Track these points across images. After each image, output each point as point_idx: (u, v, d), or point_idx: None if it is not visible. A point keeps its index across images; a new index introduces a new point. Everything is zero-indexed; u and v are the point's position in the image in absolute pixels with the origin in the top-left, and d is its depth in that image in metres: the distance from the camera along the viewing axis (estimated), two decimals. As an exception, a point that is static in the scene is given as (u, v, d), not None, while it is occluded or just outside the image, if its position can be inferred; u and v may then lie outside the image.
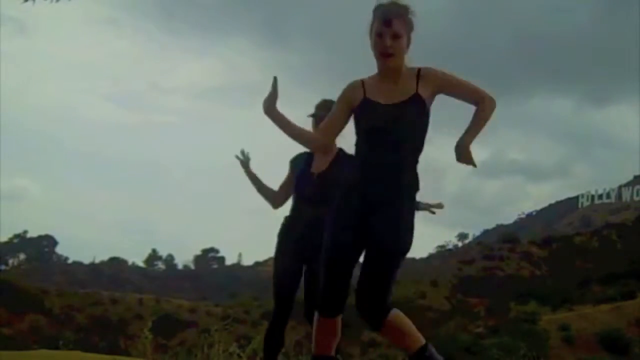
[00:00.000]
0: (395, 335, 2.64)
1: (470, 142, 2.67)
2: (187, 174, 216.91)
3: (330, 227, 2.69)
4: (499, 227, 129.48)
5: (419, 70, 2.67)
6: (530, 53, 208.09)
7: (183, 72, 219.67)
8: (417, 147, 2.68)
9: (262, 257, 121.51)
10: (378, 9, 2.64)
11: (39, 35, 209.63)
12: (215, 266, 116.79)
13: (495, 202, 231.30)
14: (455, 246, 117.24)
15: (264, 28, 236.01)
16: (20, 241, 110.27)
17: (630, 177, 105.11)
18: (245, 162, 3.67)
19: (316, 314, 2.74)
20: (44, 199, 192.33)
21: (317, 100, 3.63)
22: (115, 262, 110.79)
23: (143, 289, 78.44)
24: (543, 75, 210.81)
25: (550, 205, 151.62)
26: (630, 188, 78.39)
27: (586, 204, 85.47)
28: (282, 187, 3.68)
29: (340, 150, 3.54)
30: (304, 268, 3.50)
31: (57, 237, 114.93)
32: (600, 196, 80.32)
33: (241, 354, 5.25)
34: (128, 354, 8.33)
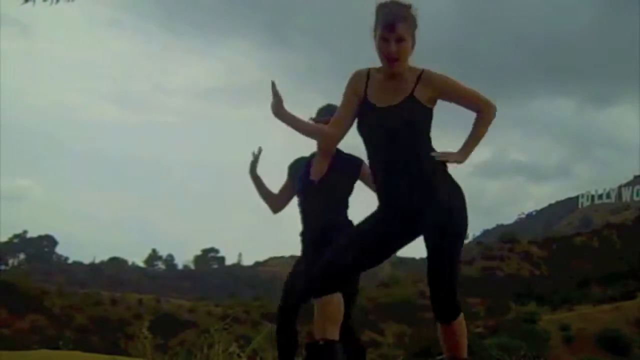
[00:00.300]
0: (456, 337, 2.71)
1: (466, 158, 2.73)
2: (188, 174, 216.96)
3: (359, 224, 2.78)
4: (499, 227, 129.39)
5: (421, 73, 2.67)
6: (532, 54, 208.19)
7: (184, 72, 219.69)
8: (417, 145, 2.66)
9: (262, 257, 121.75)
10: (381, 10, 2.63)
11: (41, 36, 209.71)
12: (215, 266, 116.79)
13: (496, 202, 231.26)
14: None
15: (265, 29, 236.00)
16: (20, 241, 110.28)
17: (630, 177, 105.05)
18: (254, 162, 3.64)
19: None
20: (44, 199, 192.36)
21: (318, 101, 3.64)
22: (115, 262, 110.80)
23: (143, 289, 78.38)
24: (545, 76, 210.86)
25: (550, 205, 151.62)
26: (630, 188, 78.26)
27: (586, 204, 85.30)
28: (281, 192, 3.68)
29: (337, 152, 3.53)
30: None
31: (57, 237, 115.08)
32: (600, 196, 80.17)
33: (241, 354, 5.24)
34: (128, 354, 8.34)
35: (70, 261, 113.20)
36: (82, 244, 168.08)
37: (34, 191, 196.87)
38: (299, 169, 3.60)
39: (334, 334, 2.73)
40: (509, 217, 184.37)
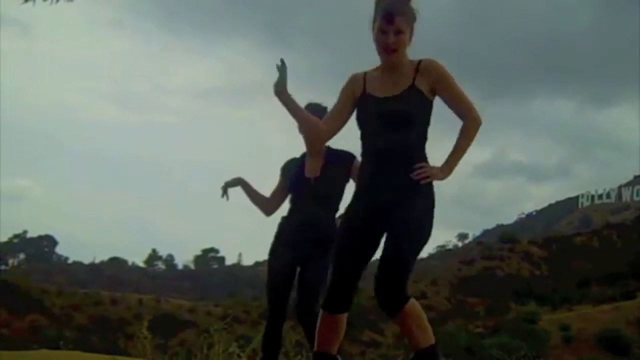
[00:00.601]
0: (410, 325, 2.56)
1: (448, 175, 2.67)
2: (188, 174, 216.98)
3: (342, 224, 2.75)
4: (499, 227, 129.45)
5: (420, 62, 2.67)
6: (532, 54, 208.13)
7: (184, 72, 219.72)
8: (417, 143, 2.67)
9: (262, 257, 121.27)
10: (379, 4, 2.64)
11: (42, 37, 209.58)
12: (215, 266, 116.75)
13: (496, 203, 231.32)
14: (455, 246, 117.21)
15: (266, 29, 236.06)
16: (20, 241, 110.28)
17: (630, 177, 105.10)
18: (235, 183, 3.67)
19: (321, 310, 2.73)
20: (44, 199, 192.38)
21: (320, 100, 3.63)
22: (115, 262, 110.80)
23: (143, 289, 78.39)
24: (545, 77, 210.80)
25: (550, 205, 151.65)
26: (630, 188, 78.27)
27: (586, 204, 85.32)
28: (274, 194, 3.68)
29: (328, 148, 3.54)
30: (298, 270, 3.50)
31: (57, 237, 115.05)
32: (600, 196, 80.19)
33: (241, 354, 5.24)
34: (128, 354, 8.34)
35: (70, 261, 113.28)
36: (82, 244, 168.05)
37: (34, 191, 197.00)
38: (292, 168, 3.61)
39: (336, 349, 2.79)
40: (509, 217, 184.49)
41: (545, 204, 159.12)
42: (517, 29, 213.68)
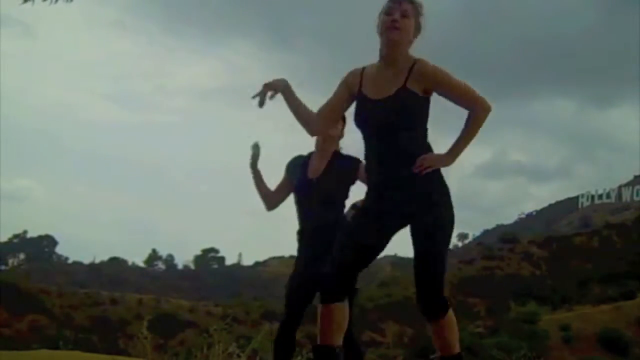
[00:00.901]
0: (447, 332, 2.68)
1: (453, 161, 2.69)
2: (188, 174, 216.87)
3: (352, 218, 2.81)
4: (499, 227, 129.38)
5: (414, 64, 2.64)
6: (534, 55, 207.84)
7: (185, 73, 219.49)
8: (415, 141, 2.67)
9: (262, 257, 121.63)
10: None
11: (43, 37, 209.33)
12: (215, 266, 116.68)
13: (496, 203, 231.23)
14: (455, 246, 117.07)
15: (268, 30, 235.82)
16: (20, 241, 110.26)
17: (631, 177, 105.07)
18: (255, 156, 3.65)
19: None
20: (44, 199, 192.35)
21: (320, 102, 3.63)
22: (115, 262, 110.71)
23: (143, 289, 78.37)
24: (546, 78, 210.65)
25: (550, 205, 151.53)
26: (630, 188, 78.35)
27: (586, 204, 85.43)
28: (277, 190, 3.68)
29: (335, 152, 3.56)
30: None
31: (57, 237, 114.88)
32: (600, 196, 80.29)
33: (241, 354, 5.25)
34: (128, 354, 8.34)
35: (70, 261, 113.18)
36: (82, 244, 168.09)
37: (35, 191, 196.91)
38: (297, 166, 3.61)
39: (340, 340, 2.76)
40: (509, 217, 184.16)
41: (545, 204, 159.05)
42: (518, 30, 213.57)
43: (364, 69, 2.76)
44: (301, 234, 3.58)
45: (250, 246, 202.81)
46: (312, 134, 2.91)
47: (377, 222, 2.68)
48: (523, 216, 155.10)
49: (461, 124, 2.70)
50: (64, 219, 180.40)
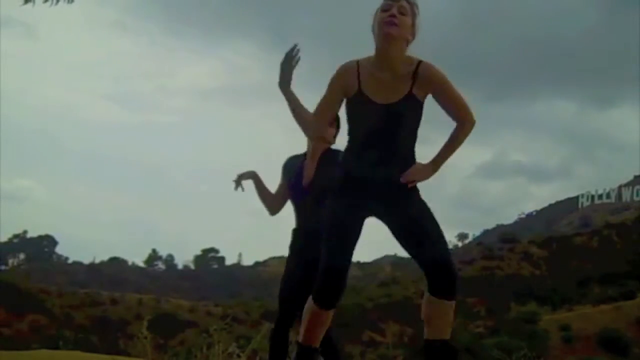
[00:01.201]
0: (449, 314, 2.63)
1: (435, 172, 2.71)
2: (188, 174, 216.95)
3: (331, 217, 2.71)
4: (499, 227, 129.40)
5: (418, 65, 2.62)
6: (534, 56, 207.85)
7: (186, 73, 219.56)
8: (411, 144, 2.71)
9: (262, 257, 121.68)
10: None
11: (44, 38, 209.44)
12: (215, 266, 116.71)
13: (497, 203, 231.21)
14: (455, 246, 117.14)
15: (269, 31, 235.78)
16: (20, 241, 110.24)
17: (631, 177, 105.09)
18: (248, 176, 3.67)
19: (312, 305, 2.71)
20: (44, 199, 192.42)
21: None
22: (115, 262, 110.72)
23: (143, 289, 78.37)
24: (546, 78, 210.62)
25: (550, 205, 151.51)
26: (630, 188, 78.36)
27: (586, 204, 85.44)
28: (277, 194, 3.69)
29: (326, 151, 3.56)
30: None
31: (57, 237, 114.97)
32: (600, 196, 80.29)
33: (241, 354, 5.25)
34: (128, 354, 8.34)
35: (70, 261, 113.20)
36: (82, 244, 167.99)
37: (35, 191, 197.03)
38: (292, 169, 3.63)
39: (318, 341, 2.80)
40: (509, 217, 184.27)
41: (545, 204, 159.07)
42: (519, 30, 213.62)
43: (358, 64, 2.67)
44: (297, 233, 3.60)
45: (250, 246, 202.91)
46: (311, 137, 2.89)
47: (357, 214, 2.69)
48: (523, 216, 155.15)
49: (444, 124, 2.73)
50: (64, 219, 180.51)
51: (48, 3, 5.81)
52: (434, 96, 2.67)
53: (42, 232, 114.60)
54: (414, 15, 2.65)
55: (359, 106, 2.68)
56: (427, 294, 2.65)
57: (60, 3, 5.92)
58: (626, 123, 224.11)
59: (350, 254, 2.68)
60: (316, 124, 2.78)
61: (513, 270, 65.59)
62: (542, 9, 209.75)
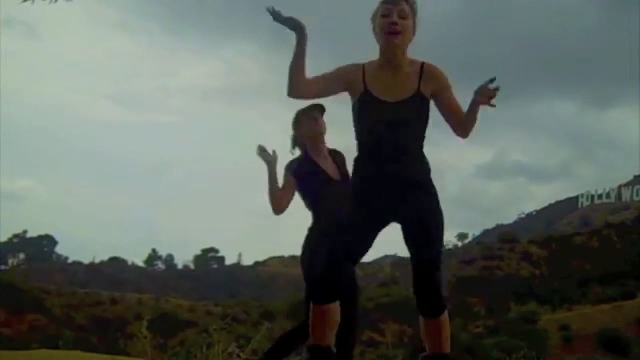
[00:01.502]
0: (442, 331, 2.65)
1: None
2: (188, 174, 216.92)
3: (341, 218, 2.70)
4: (499, 227, 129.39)
5: (422, 65, 2.64)
6: (534, 56, 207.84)
7: (186, 73, 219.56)
8: (420, 143, 2.70)
9: (262, 257, 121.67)
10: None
11: (45, 37, 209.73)
12: (215, 266, 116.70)
13: (497, 203, 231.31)
14: (455, 246, 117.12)
15: (270, 31, 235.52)
16: (20, 241, 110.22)
17: (631, 177, 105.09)
18: (273, 159, 3.58)
19: (311, 304, 2.71)
20: (44, 199, 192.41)
21: (322, 104, 3.63)
22: (115, 262, 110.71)
23: (143, 289, 78.40)
24: (546, 79, 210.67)
25: (550, 205, 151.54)
26: (630, 188, 78.17)
27: (586, 204, 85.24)
28: (286, 193, 3.59)
29: (330, 151, 3.62)
30: None
31: (57, 237, 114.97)
32: (600, 196, 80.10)
33: (241, 354, 5.24)
34: (128, 354, 8.33)
35: (70, 261, 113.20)
36: (82, 244, 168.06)
37: (35, 191, 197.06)
38: (301, 168, 3.60)
39: (333, 339, 2.75)
40: (509, 217, 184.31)
41: (545, 204, 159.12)
42: (519, 31, 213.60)
43: (364, 67, 2.70)
44: (326, 230, 3.47)
45: (250, 246, 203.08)
46: (290, 93, 2.71)
47: (368, 217, 2.66)
48: (523, 216, 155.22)
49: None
50: (64, 219, 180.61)
51: (47, 1, 5.79)
52: (437, 99, 2.69)
53: (42, 232, 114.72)
54: (414, 15, 2.64)
55: (367, 106, 2.67)
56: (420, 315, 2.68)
57: (60, 1, 5.89)
58: (626, 123, 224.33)
59: (353, 256, 2.65)
60: (302, 83, 2.68)
61: (513, 270, 65.59)
62: (543, 9, 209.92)
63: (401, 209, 2.65)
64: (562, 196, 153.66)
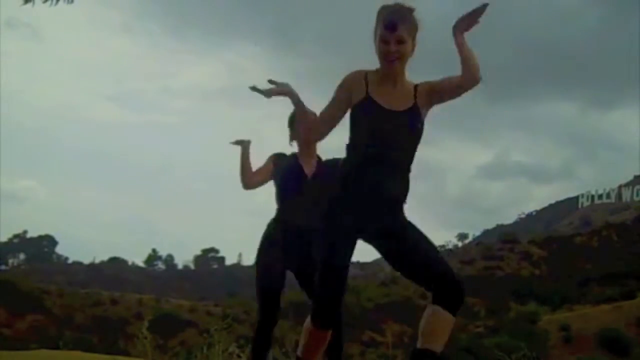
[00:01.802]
0: (447, 327, 2.63)
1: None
2: (188, 175, 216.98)
3: (326, 237, 2.66)
4: (499, 227, 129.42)
5: (416, 86, 2.73)
6: (535, 57, 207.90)
7: (188, 74, 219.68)
8: (411, 156, 2.73)
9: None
10: (382, 12, 2.64)
11: (47, 39, 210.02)
12: (215, 266, 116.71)
13: (497, 203, 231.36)
14: (455, 246, 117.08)
15: (273, 33, 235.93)
16: (20, 241, 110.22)
17: (630, 177, 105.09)
18: (246, 145, 3.73)
19: (310, 325, 2.74)
20: (44, 199, 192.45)
21: (323, 105, 3.64)
22: (115, 262, 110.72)
23: (143, 289, 78.36)
24: (547, 80, 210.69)
25: (550, 205, 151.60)
26: (630, 188, 78.21)
27: (586, 204, 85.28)
28: (259, 172, 3.69)
29: (319, 157, 3.64)
30: (294, 273, 3.56)
31: (57, 237, 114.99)
32: (600, 196, 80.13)
33: (241, 354, 5.25)
34: (128, 354, 8.33)
35: (70, 261, 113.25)
36: (82, 244, 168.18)
37: (35, 191, 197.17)
38: (284, 161, 3.65)
39: (317, 357, 2.86)
40: (509, 217, 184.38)
41: (545, 204, 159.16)
42: (520, 32, 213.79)
43: (366, 74, 2.73)
44: (279, 226, 3.57)
45: (250, 246, 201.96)
46: (314, 141, 2.90)
47: (357, 226, 2.68)
48: (523, 216, 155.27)
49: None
50: (64, 219, 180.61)
51: (48, 3, 5.80)
52: (434, 97, 2.71)
53: (42, 232, 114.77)
54: (415, 32, 2.67)
55: (366, 109, 2.68)
56: (432, 306, 2.63)
57: (60, 3, 5.90)
58: (627, 124, 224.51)
59: (344, 283, 2.69)
60: (320, 128, 2.83)
61: (513, 270, 65.59)
62: (544, 11, 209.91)
63: (387, 233, 2.69)
64: (562, 196, 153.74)
